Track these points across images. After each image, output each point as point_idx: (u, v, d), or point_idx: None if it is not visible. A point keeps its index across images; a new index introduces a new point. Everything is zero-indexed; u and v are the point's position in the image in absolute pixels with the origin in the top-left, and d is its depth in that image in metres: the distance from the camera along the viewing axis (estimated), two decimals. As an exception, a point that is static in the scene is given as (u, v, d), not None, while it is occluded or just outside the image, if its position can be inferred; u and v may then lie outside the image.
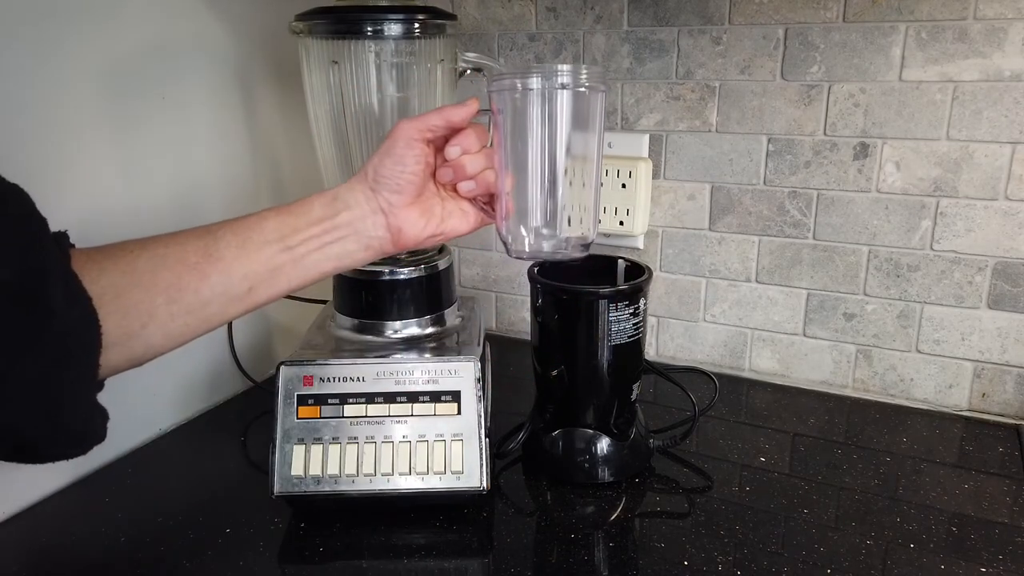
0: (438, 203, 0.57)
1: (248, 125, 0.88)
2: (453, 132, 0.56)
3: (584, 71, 0.54)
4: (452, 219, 0.57)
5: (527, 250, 0.57)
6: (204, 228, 0.51)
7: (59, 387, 0.42)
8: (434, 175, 0.57)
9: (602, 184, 0.59)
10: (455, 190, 0.57)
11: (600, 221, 0.60)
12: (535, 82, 0.53)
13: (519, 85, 0.53)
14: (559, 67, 0.53)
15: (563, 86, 0.53)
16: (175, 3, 0.77)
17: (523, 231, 0.57)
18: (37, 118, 0.64)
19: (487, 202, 0.58)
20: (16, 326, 0.40)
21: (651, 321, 0.96)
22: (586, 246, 0.58)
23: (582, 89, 0.54)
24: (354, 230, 0.54)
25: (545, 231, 0.56)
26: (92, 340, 0.44)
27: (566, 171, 0.55)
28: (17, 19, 0.62)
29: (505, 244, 0.58)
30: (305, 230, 0.53)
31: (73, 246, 0.47)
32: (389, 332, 0.70)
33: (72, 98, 0.67)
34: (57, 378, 0.42)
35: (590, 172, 0.56)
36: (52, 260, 0.43)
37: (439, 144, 0.56)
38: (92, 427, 0.46)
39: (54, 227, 0.45)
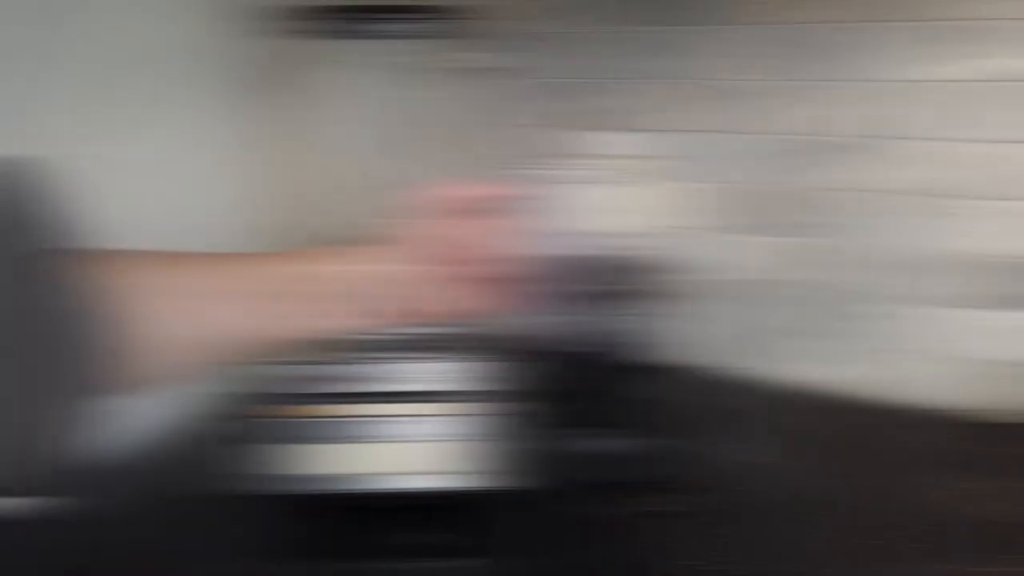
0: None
1: (248, 126, 0.88)
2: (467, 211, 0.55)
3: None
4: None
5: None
6: (217, 256, 0.50)
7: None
8: (444, 252, 0.56)
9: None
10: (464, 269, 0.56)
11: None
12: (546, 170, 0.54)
13: (527, 172, 0.54)
14: (572, 161, 0.55)
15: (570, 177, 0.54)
16: (173, 3, 0.77)
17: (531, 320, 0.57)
18: (35, 120, 0.64)
19: (496, 285, 0.57)
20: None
21: (652, 321, 0.96)
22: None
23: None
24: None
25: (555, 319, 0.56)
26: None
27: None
28: (12, 23, 0.62)
29: (510, 332, 0.57)
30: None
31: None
32: (388, 331, 0.70)
33: (69, 101, 0.67)
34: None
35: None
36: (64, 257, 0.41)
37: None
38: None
39: None
